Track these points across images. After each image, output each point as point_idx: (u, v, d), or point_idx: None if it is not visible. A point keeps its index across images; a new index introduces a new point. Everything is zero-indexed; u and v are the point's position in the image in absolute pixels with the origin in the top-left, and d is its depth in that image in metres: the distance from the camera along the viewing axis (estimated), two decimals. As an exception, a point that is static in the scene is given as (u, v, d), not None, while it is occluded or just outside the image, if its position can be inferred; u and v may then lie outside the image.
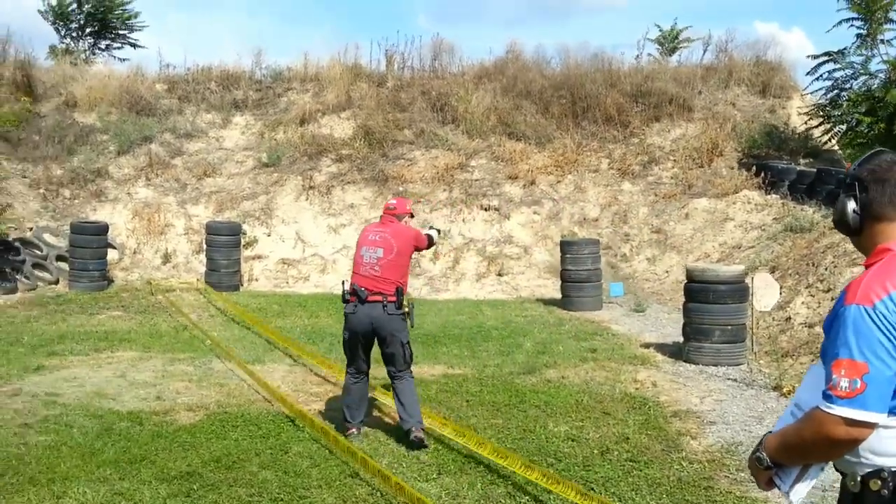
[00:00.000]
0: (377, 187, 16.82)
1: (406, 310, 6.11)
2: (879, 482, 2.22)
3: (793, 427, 2.31)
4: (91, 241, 14.03)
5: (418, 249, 6.52)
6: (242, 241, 15.37)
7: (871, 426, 2.16)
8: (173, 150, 18.13)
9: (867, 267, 2.32)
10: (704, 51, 20.64)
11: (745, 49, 20.05)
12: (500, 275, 14.99)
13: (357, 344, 6.17)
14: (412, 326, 6.21)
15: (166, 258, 15.72)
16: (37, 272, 14.24)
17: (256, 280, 15.35)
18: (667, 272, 14.52)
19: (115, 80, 19.67)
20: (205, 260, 14.97)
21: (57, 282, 14.27)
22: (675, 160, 17.09)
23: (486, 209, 16.29)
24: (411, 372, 6.26)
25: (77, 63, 20.50)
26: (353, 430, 6.26)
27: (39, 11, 22.33)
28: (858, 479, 2.26)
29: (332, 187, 16.91)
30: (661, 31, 22.12)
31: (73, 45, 22.48)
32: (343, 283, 6.27)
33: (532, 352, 9.35)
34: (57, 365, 8.56)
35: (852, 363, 2.15)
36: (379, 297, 5.97)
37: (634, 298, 12.92)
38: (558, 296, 13.46)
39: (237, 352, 9.32)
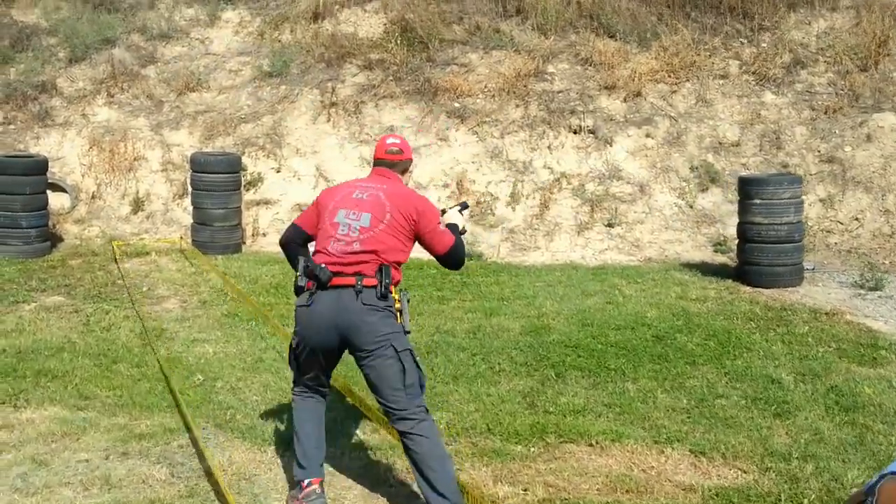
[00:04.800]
0: (424, 103, 12.23)
1: (397, 304, 3.61)
2: None
3: None
4: (22, 184, 9.54)
5: (424, 244, 3.80)
6: (243, 180, 10.92)
7: None
8: (144, 56, 13.42)
9: None
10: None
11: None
12: (609, 225, 10.58)
13: (311, 357, 3.72)
14: (407, 332, 3.63)
15: (137, 205, 11.25)
16: (-54, 231, 9.77)
17: (264, 235, 10.93)
18: (857, 219, 10.15)
19: (65, -36, 14.84)
20: (190, 208, 10.53)
21: (-23, 244, 9.82)
22: (827, 62, 12.49)
23: (576, 132, 11.77)
24: (426, 412, 3.57)
25: (15, -56, 15.59)
26: (314, 485, 3.63)
27: None
28: None
29: (363, 104, 12.33)
30: None
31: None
32: (302, 260, 3.70)
33: (825, 405, 4.97)
34: None
35: None
36: (350, 280, 3.56)
37: (840, 264, 8.57)
38: (707, 259, 9.24)
39: (255, 398, 4.98)
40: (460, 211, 4.14)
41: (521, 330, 6.64)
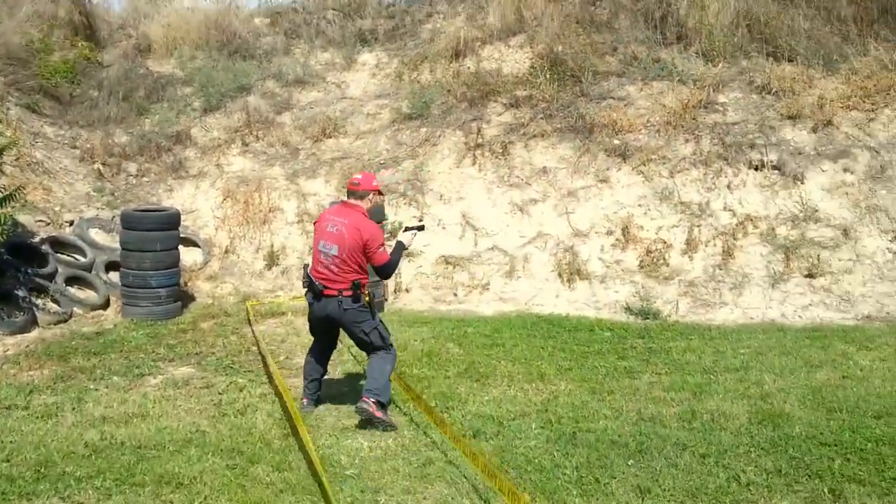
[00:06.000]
0: (579, 141, 10.98)
1: (367, 300, 5.47)
2: None
3: None
4: (153, 239, 8.80)
5: (367, 259, 5.47)
6: (384, 230, 9.89)
7: None
8: (279, 103, 12.79)
9: None
10: None
11: None
12: (810, 276, 8.98)
13: (317, 332, 5.83)
14: (374, 318, 5.56)
15: (271, 259, 10.40)
16: (74, 290, 9.15)
17: (408, 291, 9.84)
18: None
19: (201, 14, 14.52)
20: (329, 263, 9.57)
21: (106, 305, 9.15)
22: None
23: (758, 168, 10.25)
24: (389, 349, 5.59)
25: (153, -3, 15.45)
26: (304, 399, 5.83)
27: (109, -61, 17.44)
28: None
29: (511, 144, 11.20)
30: None
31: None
32: (305, 266, 5.76)
33: None
34: None
35: None
36: (334, 293, 5.46)
37: None
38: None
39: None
40: (414, 233, 5.70)
41: (749, 418, 5.21)
